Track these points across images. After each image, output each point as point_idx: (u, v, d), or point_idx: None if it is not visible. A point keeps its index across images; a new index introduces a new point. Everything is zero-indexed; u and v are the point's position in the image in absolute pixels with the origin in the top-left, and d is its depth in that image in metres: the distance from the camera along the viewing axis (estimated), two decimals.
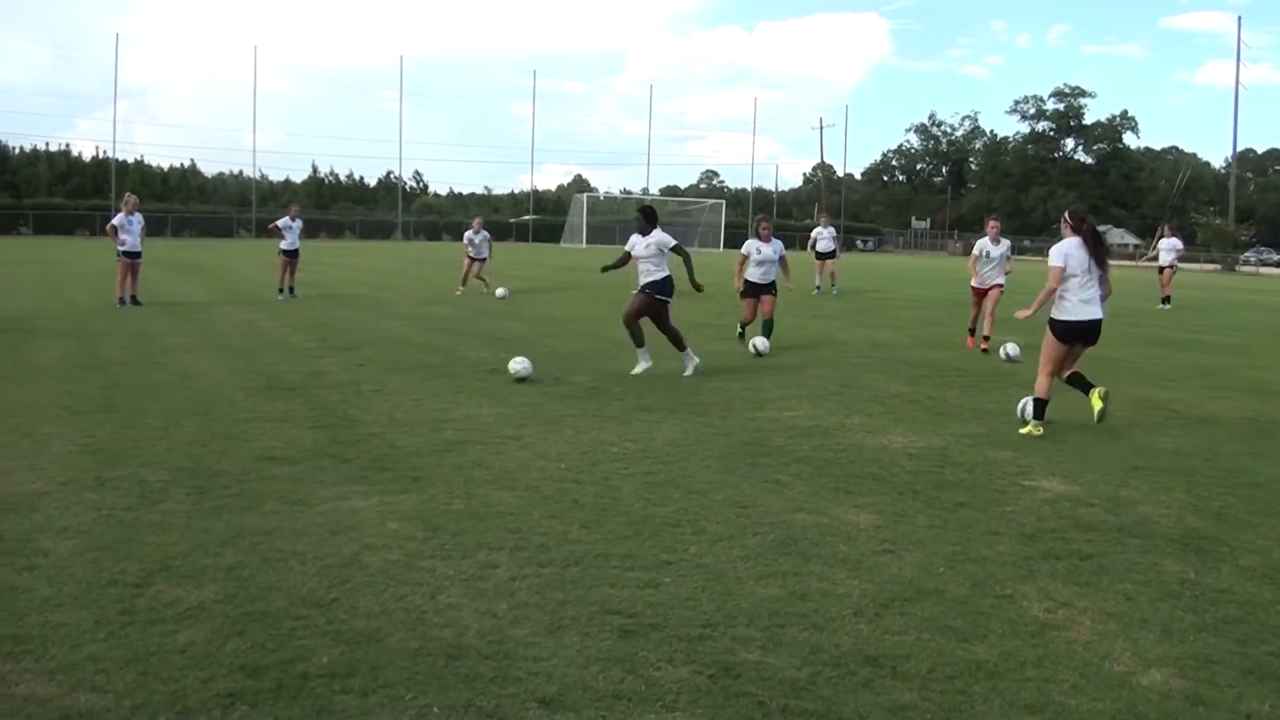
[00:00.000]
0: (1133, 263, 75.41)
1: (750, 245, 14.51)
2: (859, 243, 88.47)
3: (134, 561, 5.16)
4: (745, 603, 4.81)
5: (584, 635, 4.39)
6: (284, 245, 21.77)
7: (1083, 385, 9.22)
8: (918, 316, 21.16)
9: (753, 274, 14.47)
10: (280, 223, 22.10)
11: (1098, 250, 8.83)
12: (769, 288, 14.42)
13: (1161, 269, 26.53)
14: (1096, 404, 9.03)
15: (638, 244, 11.93)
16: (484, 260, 24.28)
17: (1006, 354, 13.67)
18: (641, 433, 8.53)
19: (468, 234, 24.49)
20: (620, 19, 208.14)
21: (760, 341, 13.72)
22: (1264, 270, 71.35)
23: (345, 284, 26.80)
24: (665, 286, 11.87)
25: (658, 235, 11.85)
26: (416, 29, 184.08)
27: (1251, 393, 11.65)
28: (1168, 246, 26.53)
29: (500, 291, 23.29)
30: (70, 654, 4.08)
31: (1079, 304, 8.81)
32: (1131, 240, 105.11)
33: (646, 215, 12.11)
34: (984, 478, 7.31)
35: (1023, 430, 8.90)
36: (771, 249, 14.39)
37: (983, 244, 15.19)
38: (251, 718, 3.64)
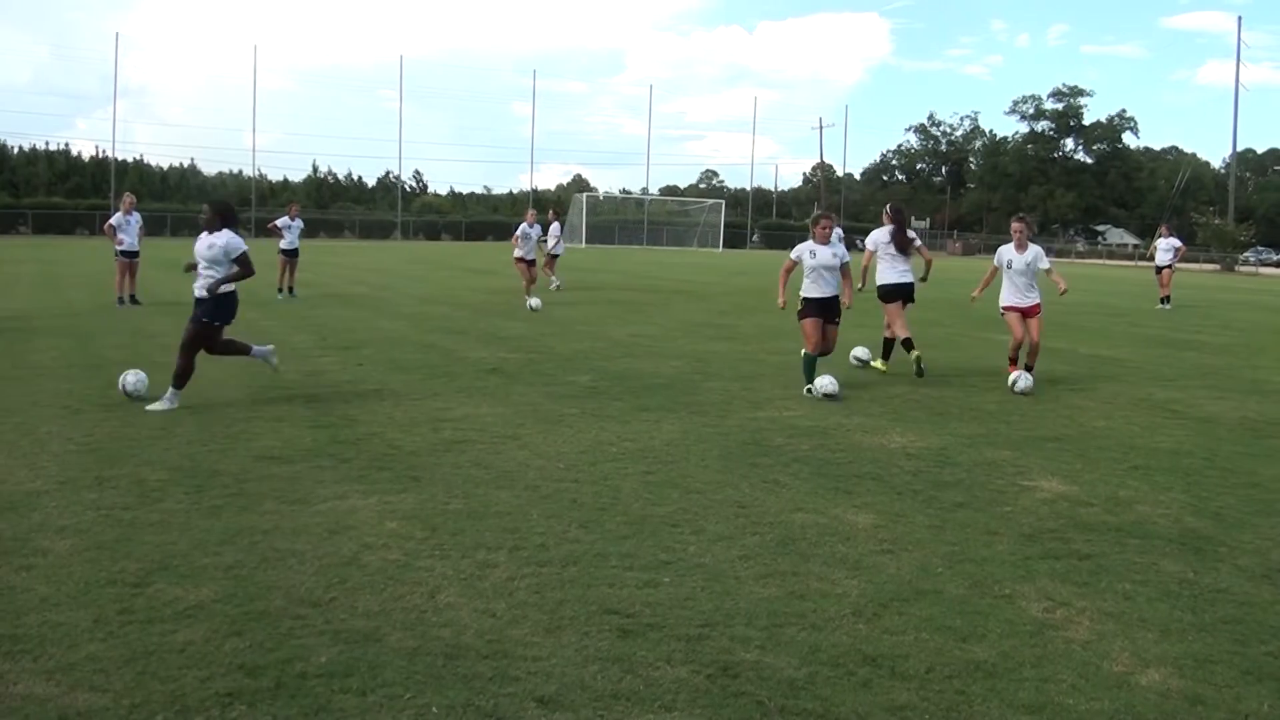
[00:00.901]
0: (1132, 263, 75.49)
1: (803, 249, 10.98)
2: (859, 242, 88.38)
3: (133, 561, 5.16)
4: (744, 602, 4.81)
5: (582, 635, 4.39)
6: (284, 245, 21.77)
7: (909, 346, 12.27)
8: (916, 316, 21.03)
9: (810, 288, 10.92)
10: (280, 222, 22.11)
11: (900, 238, 12.51)
12: (833, 305, 10.93)
13: (1159, 269, 26.48)
14: (914, 355, 12.15)
15: (200, 244, 9.53)
16: (542, 258, 22.14)
17: (1015, 387, 11.05)
18: (640, 432, 8.53)
19: (522, 227, 22.41)
20: (620, 18, 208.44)
21: (826, 382, 10.48)
22: (1263, 270, 71.39)
23: (345, 284, 26.79)
24: (223, 307, 9.50)
25: (225, 238, 9.44)
26: (416, 29, 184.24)
27: (1251, 393, 11.65)
28: (1166, 246, 26.48)
29: (534, 302, 20.11)
30: (69, 653, 4.08)
31: (893, 272, 12.51)
32: (1131, 240, 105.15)
33: (216, 209, 9.73)
34: (983, 478, 7.32)
35: (876, 365, 12.62)
36: (831, 252, 10.88)
37: (1004, 252, 12.01)
38: (250, 717, 3.64)
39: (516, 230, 22.64)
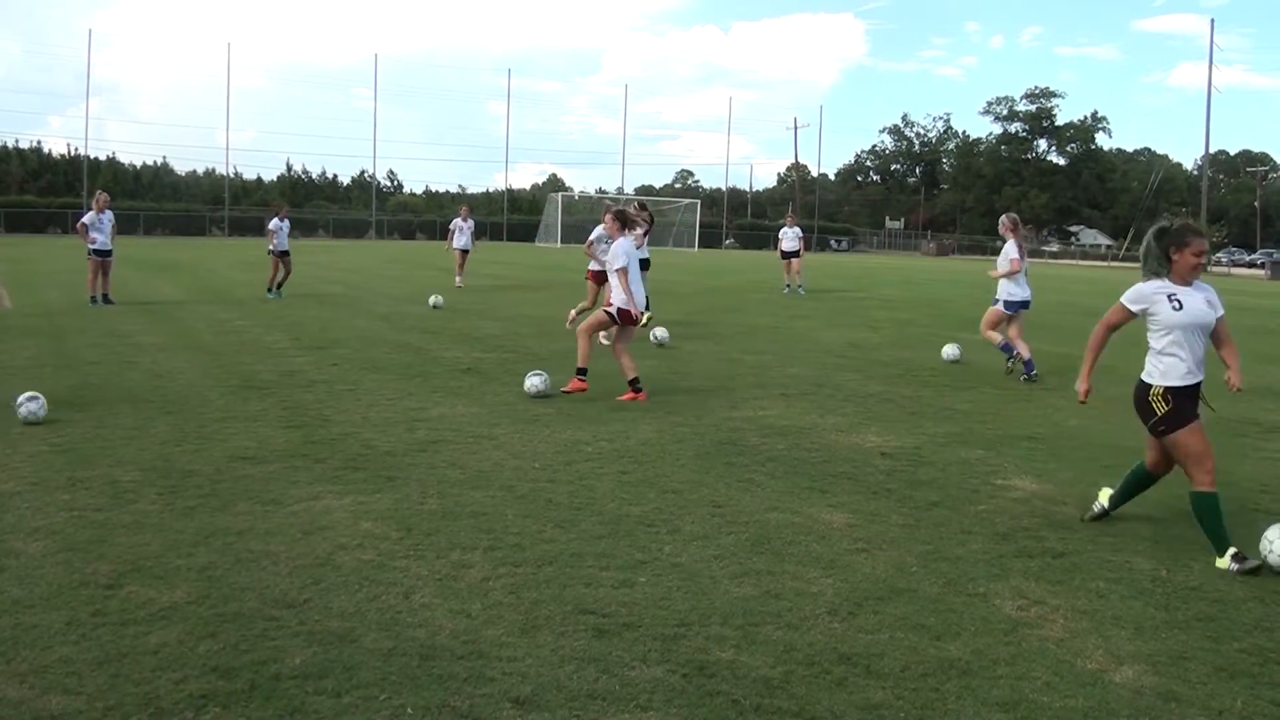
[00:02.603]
0: (1105, 263, 75.99)
1: (1151, 293, 6.01)
2: (833, 243, 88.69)
3: (106, 562, 5.12)
4: (719, 602, 4.82)
5: (558, 635, 4.38)
6: (275, 246, 21.65)
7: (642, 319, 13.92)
8: (892, 316, 21.20)
9: (1175, 366, 6.08)
10: (272, 225, 21.98)
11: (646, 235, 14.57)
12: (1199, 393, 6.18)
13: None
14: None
15: None
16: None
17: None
18: (616, 432, 8.52)
19: (597, 231, 14.56)
20: (596, 18, 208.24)
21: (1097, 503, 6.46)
22: (1235, 271, 71.95)
23: (319, 283, 26.65)
24: None
25: None
26: (391, 27, 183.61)
27: (1223, 392, 11.71)
28: None
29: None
30: (41, 656, 4.05)
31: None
32: (1104, 241, 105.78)
33: None
34: (957, 477, 7.35)
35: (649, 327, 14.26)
36: (1205, 299, 6.15)
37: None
38: (224, 719, 3.62)
39: (591, 235, 15.26)
